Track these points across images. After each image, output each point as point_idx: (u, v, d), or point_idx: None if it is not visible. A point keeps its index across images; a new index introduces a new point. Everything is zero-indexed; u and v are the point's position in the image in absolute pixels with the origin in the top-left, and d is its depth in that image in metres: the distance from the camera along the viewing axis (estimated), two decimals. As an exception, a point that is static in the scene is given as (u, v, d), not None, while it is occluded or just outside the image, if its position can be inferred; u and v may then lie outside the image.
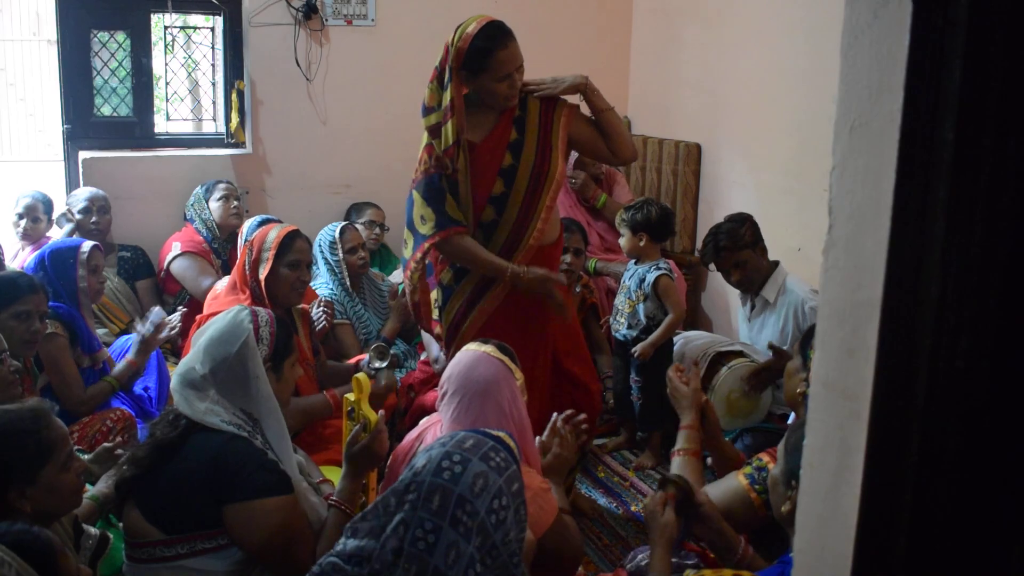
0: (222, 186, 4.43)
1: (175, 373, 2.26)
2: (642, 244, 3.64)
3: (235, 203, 4.42)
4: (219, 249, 4.38)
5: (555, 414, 2.52)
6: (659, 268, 3.59)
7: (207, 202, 4.39)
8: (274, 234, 3.21)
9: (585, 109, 3.05)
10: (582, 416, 2.53)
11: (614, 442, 3.89)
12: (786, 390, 2.54)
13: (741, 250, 3.53)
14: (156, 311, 3.50)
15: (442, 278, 3.02)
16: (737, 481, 2.28)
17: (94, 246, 3.43)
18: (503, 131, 2.92)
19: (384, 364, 3.25)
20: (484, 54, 2.78)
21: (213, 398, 2.14)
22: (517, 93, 2.88)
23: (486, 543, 1.55)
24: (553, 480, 2.39)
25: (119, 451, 2.58)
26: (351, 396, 2.39)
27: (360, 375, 2.79)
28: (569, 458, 2.45)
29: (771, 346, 3.41)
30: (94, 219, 4.19)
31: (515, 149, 2.92)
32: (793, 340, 3.40)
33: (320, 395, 3.10)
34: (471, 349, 2.36)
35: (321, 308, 3.64)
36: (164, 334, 3.47)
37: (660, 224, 3.64)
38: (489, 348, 2.33)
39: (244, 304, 2.43)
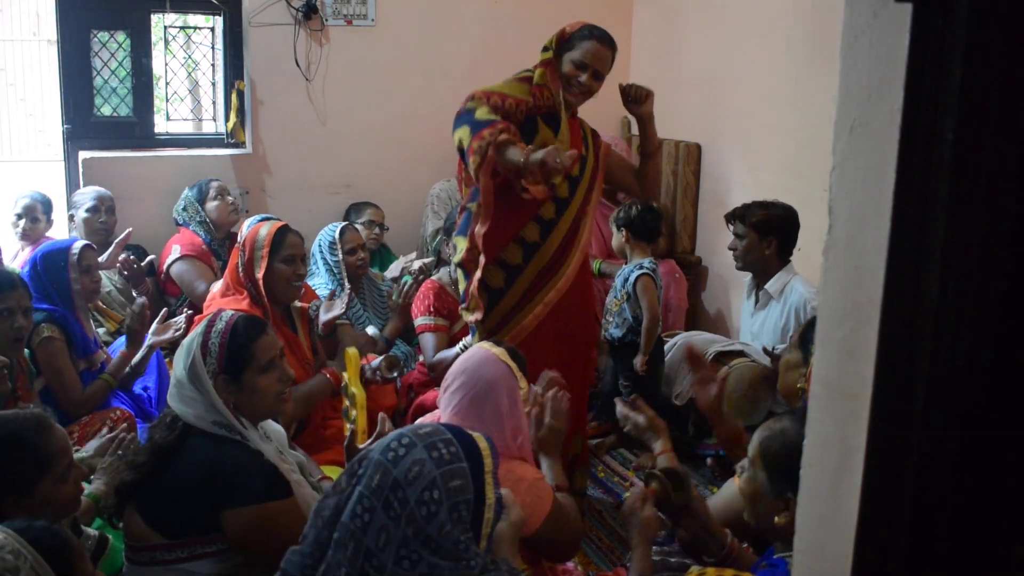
0: (215, 184, 4.40)
1: (172, 376, 2.25)
2: (624, 241, 3.75)
3: (231, 198, 4.41)
4: (218, 249, 4.38)
5: (539, 389, 2.49)
6: (642, 268, 3.66)
7: (202, 204, 4.37)
8: (265, 231, 3.21)
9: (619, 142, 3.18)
10: (561, 381, 2.53)
11: (607, 443, 3.89)
12: (783, 383, 2.53)
13: (748, 226, 3.57)
14: (140, 301, 3.46)
15: (509, 257, 2.98)
16: (737, 487, 2.27)
17: (85, 245, 3.40)
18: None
19: (394, 375, 3.27)
20: (579, 37, 2.97)
21: (203, 403, 2.13)
22: (582, 93, 2.99)
23: (420, 533, 1.53)
24: (548, 455, 2.38)
25: (119, 437, 2.56)
26: (346, 374, 2.41)
27: (350, 349, 2.82)
28: (561, 429, 2.41)
29: (766, 351, 3.42)
30: (102, 219, 4.20)
31: (573, 182, 3.01)
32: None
33: (318, 376, 3.09)
34: (483, 348, 2.36)
35: (341, 297, 3.66)
36: (169, 335, 3.46)
37: (640, 222, 3.71)
38: (499, 351, 2.33)
39: (231, 308, 2.40)
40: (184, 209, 4.39)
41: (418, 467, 1.56)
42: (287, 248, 3.19)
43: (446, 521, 1.55)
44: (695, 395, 2.61)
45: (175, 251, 4.21)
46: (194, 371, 2.14)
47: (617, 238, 3.79)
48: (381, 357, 3.31)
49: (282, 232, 3.22)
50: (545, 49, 3.02)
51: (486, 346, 2.37)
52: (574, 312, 3.06)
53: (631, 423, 2.46)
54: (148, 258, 4.16)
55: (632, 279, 3.63)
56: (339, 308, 3.55)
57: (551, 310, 2.98)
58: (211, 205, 4.36)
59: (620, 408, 2.50)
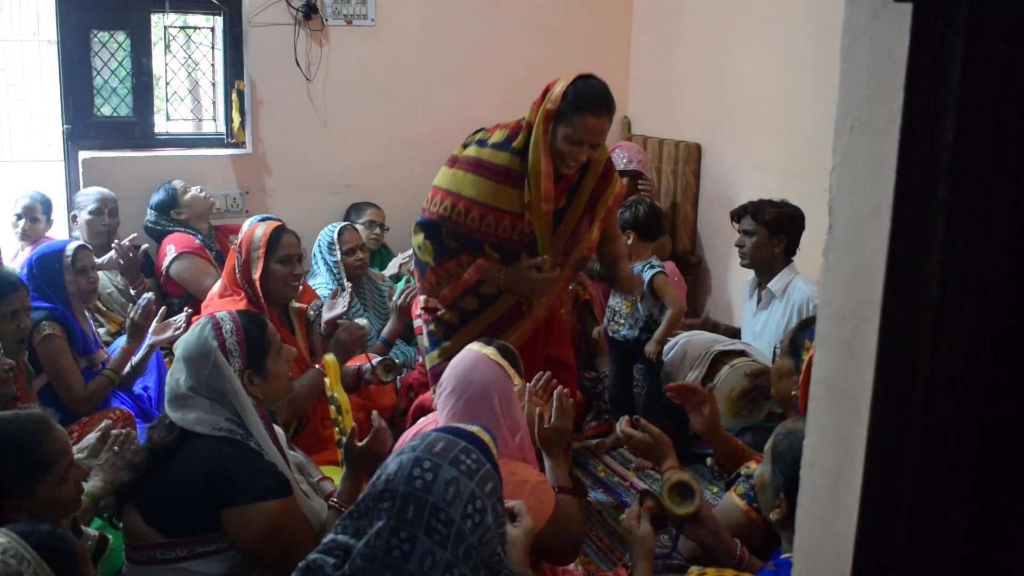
0: (177, 182, 4.40)
1: (166, 384, 2.24)
2: (630, 242, 3.72)
3: (197, 187, 4.43)
4: (208, 243, 4.38)
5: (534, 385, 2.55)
6: (653, 267, 3.67)
7: (176, 204, 4.35)
8: (260, 232, 3.21)
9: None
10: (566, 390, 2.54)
11: (607, 442, 3.89)
12: (776, 390, 2.51)
13: (759, 223, 3.56)
14: (147, 295, 3.48)
15: (466, 304, 2.98)
16: (733, 502, 2.27)
17: (79, 246, 3.40)
18: (556, 198, 2.87)
19: (390, 379, 3.27)
20: (572, 108, 2.69)
21: (204, 407, 2.13)
22: (577, 164, 2.79)
23: (468, 547, 1.55)
24: (552, 454, 2.37)
25: (114, 432, 2.55)
26: (328, 380, 2.42)
27: (328, 356, 2.83)
28: (567, 429, 2.41)
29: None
30: (105, 221, 4.20)
31: (558, 216, 2.91)
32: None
33: (311, 370, 3.08)
34: (473, 350, 2.35)
35: (343, 296, 3.67)
36: (169, 334, 3.46)
37: (648, 222, 3.71)
38: (490, 351, 2.32)
39: (227, 310, 2.39)
40: (156, 220, 4.35)
41: (454, 486, 1.57)
42: (283, 248, 3.19)
43: (492, 522, 1.58)
44: (691, 421, 2.61)
45: (171, 251, 4.19)
46: (218, 374, 2.14)
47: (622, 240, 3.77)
48: (379, 359, 3.31)
49: (278, 232, 3.22)
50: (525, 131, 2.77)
51: (476, 347, 2.36)
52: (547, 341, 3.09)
53: (634, 442, 2.40)
54: (143, 247, 4.17)
55: (647, 279, 3.64)
56: (341, 307, 3.55)
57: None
58: (187, 199, 4.35)
59: (622, 426, 2.44)
